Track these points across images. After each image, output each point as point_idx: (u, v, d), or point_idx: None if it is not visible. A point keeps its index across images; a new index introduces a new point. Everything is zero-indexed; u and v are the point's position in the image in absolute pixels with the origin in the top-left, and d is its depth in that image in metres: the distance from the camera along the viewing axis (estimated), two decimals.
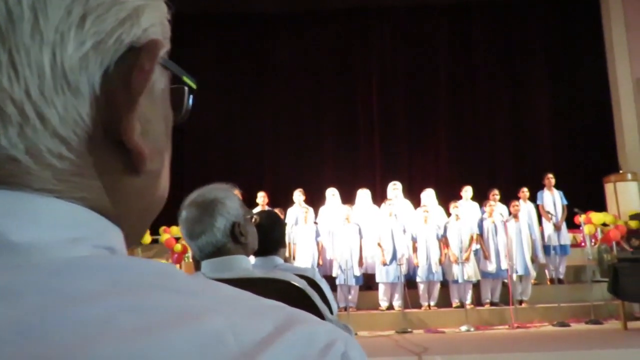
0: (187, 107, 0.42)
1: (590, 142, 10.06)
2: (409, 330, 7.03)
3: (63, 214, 0.32)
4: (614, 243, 7.93)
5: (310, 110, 10.69)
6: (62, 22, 0.31)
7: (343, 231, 7.70)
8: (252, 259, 2.21)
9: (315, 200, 8.60)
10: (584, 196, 9.04)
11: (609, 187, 9.11)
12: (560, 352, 5.24)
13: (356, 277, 7.66)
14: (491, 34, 10.77)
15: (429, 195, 8.45)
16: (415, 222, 7.91)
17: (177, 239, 7.98)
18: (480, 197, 8.19)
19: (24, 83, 0.30)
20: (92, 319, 0.26)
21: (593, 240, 8.34)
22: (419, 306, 7.68)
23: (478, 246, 7.76)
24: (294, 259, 7.63)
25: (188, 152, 10.49)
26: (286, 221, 7.62)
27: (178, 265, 7.87)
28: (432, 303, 7.71)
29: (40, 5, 0.30)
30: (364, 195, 8.52)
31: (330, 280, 7.57)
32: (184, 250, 7.93)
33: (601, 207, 8.87)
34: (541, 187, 8.44)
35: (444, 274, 7.74)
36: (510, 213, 7.90)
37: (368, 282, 8.04)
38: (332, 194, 8.47)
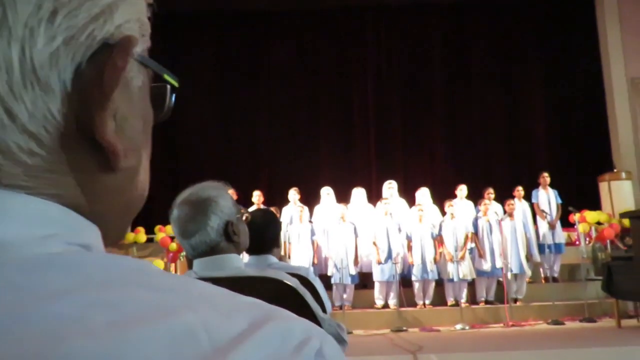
0: (169, 106, 0.42)
1: (585, 141, 10.09)
2: (404, 328, 7.04)
3: (34, 210, 0.31)
4: (608, 242, 7.96)
5: (306, 109, 10.68)
6: (31, 17, 0.30)
7: (338, 230, 7.70)
8: (246, 257, 2.20)
9: (310, 199, 8.61)
10: (579, 195, 9.08)
11: (603, 186, 9.14)
12: (554, 350, 5.25)
13: (352, 276, 7.67)
14: (486, 33, 10.78)
15: (423, 194, 8.47)
16: (410, 221, 7.92)
17: (173, 238, 7.96)
18: (476, 196, 8.21)
19: None
20: (64, 316, 0.26)
21: (587, 239, 8.37)
22: (414, 305, 7.69)
23: (473, 245, 7.78)
24: (289, 257, 7.63)
25: (183, 151, 10.48)
26: (281, 220, 7.61)
27: (173, 264, 7.86)
28: (427, 302, 7.72)
29: (8, 0, 0.30)
30: (359, 194, 8.52)
31: (326, 279, 7.58)
32: (179, 249, 7.92)
33: (596, 205, 8.91)
34: (536, 185, 8.47)
35: (439, 273, 7.75)
36: (505, 212, 7.92)
37: (363, 281, 8.04)
38: (327, 193, 8.48)
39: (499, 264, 7.58)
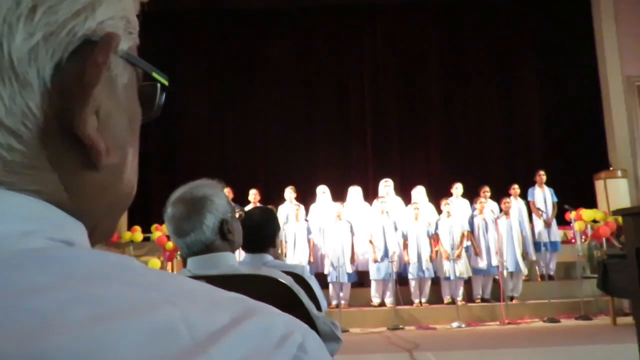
0: (159, 104, 0.42)
1: (581, 139, 10.11)
2: (401, 326, 7.05)
3: (15, 206, 0.31)
4: (604, 239, 7.99)
5: (302, 107, 10.68)
6: (10, 13, 0.30)
7: (334, 228, 7.71)
8: (242, 254, 2.20)
9: (307, 197, 8.61)
10: (575, 193, 9.10)
11: (599, 184, 9.17)
12: (550, 347, 5.27)
13: (348, 274, 7.67)
14: (483, 32, 10.79)
15: (419, 193, 8.48)
16: (406, 220, 7.92)
17: (169, 237, 7.94)
18: (472, 194, 8.22)
19: None
20: (43, 310, 0.26)
21: (583, 237, 8.40)
22: (411, 303, 7.70)
23: (469, 243, 7.80)
24: (285, 256, 7.64)
25: (180, 150, 10.46)
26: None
27: (169, 263, 7.85)
28: (423, 300, 7.74)
29: None
30: (355, 192, 8.53)
31: (322, 277, 7.59)
32: (176, 248, 7.90)
33: (591, 203, 8.94)
34: (532, 184, 8.49)
35: (435, 271, 7.77)
36: (501, 210, 7.94)
37: (360, 279, 8.05)
38: (322, 192, 8.48)
39: (494, 262, 7.60)
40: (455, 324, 7.01)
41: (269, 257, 2.11)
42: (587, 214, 8.30)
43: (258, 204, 7.87)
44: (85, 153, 0.34)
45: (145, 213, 8.90)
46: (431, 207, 8.37)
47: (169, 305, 0.29)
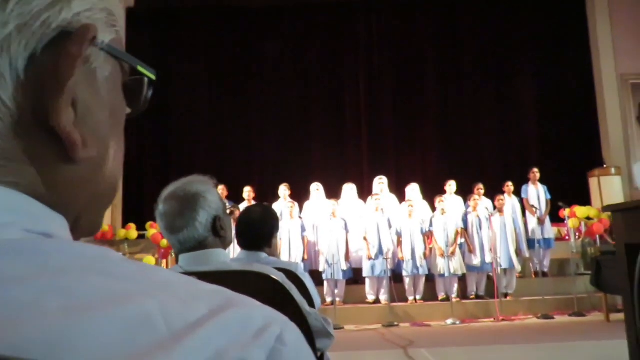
0: (145, 98, 0.42)
1: (575, 137, 10.15)
2: (396, 323, 7.06)
3: None
4: (597, 237, 8.02)
5: (298, 104, 10.67)
6: None
7: (329, 226, 7.71)
8: (238, 251, 2.18)
9: (302, 195, 8.61)
10: (569, 190, 9.14)
11: (593, 182, 9.21)
12: (544, 344, 5.29)
13: (343, 272, 7.68)
14: (477, 29, 10.80)
15: (413, 190, 8.49)
16: (400, 217, 7.94)
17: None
18: (467, 192, 8.24)
19: None
20: (17, 301, 0.26)
21: (577, 234, 8.43)
22: (405, 300, 7.72)
23: (463, 240, 7.82)
24: (279, 253, 7.63)
25: (175, 147, 10.44)
26: None
27: (164, 260, 7.84)
28: (418, 297, 7.75)
29: None
30: (349, 189, 8.53)
31: (318, 274, 7.59)
32: (171, 246, 7.89)
33: (585, 201, 8.97)
34: (526, 181, 8.51)
35: (429, 268, 7.78)
36: (495, 207, 7.96)
37: (355, 277, 8.06)
38: (316, 189, 8.48)
39: (488, 259, 7.63)
40: (449, 321, 7.03)
41: (263, 255, 2.10)
42: (581, 211, 8.34)
43: (252, 202, 7.86)
44: (61, 146, 0.33)
45: (140, 210, 8.89)
46: (425, 205, 8.38)
47: (146, 297, 0.29)
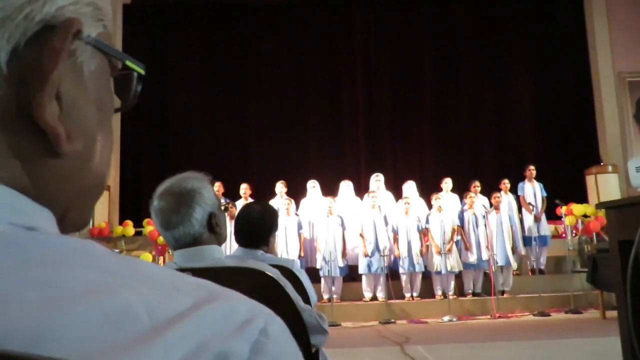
0: (134, 93, 0.41)
1: (572, 135, 10.17)
2: (392, 320, 7.07)
3: None
4: (594, 234, 8.04)
5: (295, 102, 10.65)
6: None
7: (326, 223, 7.72)
8: (234, 247, 2.19)
9: (299, 192, 8.61)
10: (566, 188, 9.16)
11: (590, 179, 9.22)
12: (540, 341, 5.31)
13: (340, 268, 7.69)
14: (475, 26, 10.80)
15: (410, 187, 8.50)
16: (397, 214, 7.94)
17: None
18: (464, 189, 8.25)
19: None
20: None
21: (574, 232, 8.45)
22: (403, 297, 7.73)
23: (459, 237, 7.83)
24: (275, 250, 7.62)
25: (172, 144, 10.43)
26: None
27: (161, 257, 7.84)
28: (415, 294, 7.77)
29: None
30: (346, 187, 8.53)
31: (315, 271, 7.60)
32: None
33: (582, 198, 8.99)
34: (523, 178, 8.53)
35: (425, 265, 7.80)
36: (491, 205, 7.98)
37: (352, 274, 8.07)
38: (312, 186, 8.48)
39: (485, 256, 7.65)
40: (446, 318, 7.05)
41: (259, 252, 2.10)
42: (577, 208, 8.36)
43: (249, 199, 7.86)
44: (46, 140, 0.33)
45: (137, 207, 8.88)
46: (422, 202, 8.39)
47: (128, 290, 0.29)
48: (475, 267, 7.81)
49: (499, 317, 7.08)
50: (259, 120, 10.56)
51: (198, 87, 10.64)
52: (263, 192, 8.54)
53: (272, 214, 2.18)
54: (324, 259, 7.61)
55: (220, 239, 1.51)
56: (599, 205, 2.07)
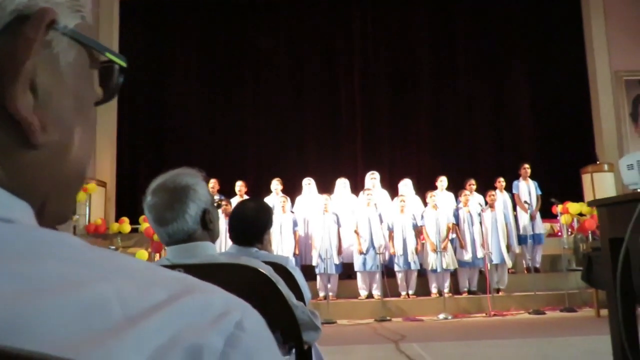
0: (115, 85, 0.41)
1: (569, 134, 10.18)
2: (388, 318, 7.09)
3: None
4: (589, 232, 8.06)
5: (292, 99, 10.65)
6: None
7: (321, 220, 7.72)
8: (228, 244, 2.18)
9: (295, 189, 8.61)
10: (562, 186, 9.18)
11: (586, 178, 9.24)
12: (535, 338, 5.32)
13: (336, 266, 7.69)
14: (473, 25, 10.80)
15: (406, 185, 8.50)
16: (392, 212, 7.95)
17: None
18: (461, 187, 8.26)
19: None
20: None
21: (570, 230, 8.47)
22: (398, 295, 7.74)
23: (454, 235, 7.84)
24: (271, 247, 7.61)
25: (168, 141, 10.42)
26: None
27: (157, 254, 7.83)
28: (410, 292, 7.78)
29: None
30: (342, 184, 8.53)
31: (310, 269, 7.60)
32: None
33: (578, 197, 9.01)
34: (518, 177, 8.54)
35: (420, 263, 7.81)
36: (486, 203, 7.99)
37: (348, 271, 8.07)
38: (307, 183, 8.48)
39: (480, 254, 7.66)
40: (441, 316, 7.06)
41: (254, 250, 2.10)
42: (573, 207, 8.38)
43: (245, 196, 7.85)
44: (20, 131, 0.33)
45: (133, 204, 8.86)
46: (418, 200, 8.39)
47: (103, 282, 0.29)
48: (470, 265, 7.83)
49: (494, 315, 7.10)
50: (255, 118, 10.55)
51: (194, 84, 10.62)
52: (259, 190, 8.54)
53: (267, 211, 2.17)
54: (319, 256, 7.61)
55: (213, 236, 1.51)
56: (591, 203, 2.08)
